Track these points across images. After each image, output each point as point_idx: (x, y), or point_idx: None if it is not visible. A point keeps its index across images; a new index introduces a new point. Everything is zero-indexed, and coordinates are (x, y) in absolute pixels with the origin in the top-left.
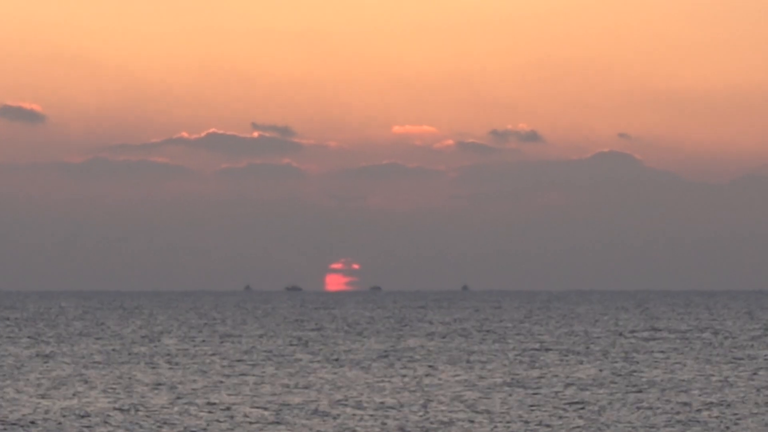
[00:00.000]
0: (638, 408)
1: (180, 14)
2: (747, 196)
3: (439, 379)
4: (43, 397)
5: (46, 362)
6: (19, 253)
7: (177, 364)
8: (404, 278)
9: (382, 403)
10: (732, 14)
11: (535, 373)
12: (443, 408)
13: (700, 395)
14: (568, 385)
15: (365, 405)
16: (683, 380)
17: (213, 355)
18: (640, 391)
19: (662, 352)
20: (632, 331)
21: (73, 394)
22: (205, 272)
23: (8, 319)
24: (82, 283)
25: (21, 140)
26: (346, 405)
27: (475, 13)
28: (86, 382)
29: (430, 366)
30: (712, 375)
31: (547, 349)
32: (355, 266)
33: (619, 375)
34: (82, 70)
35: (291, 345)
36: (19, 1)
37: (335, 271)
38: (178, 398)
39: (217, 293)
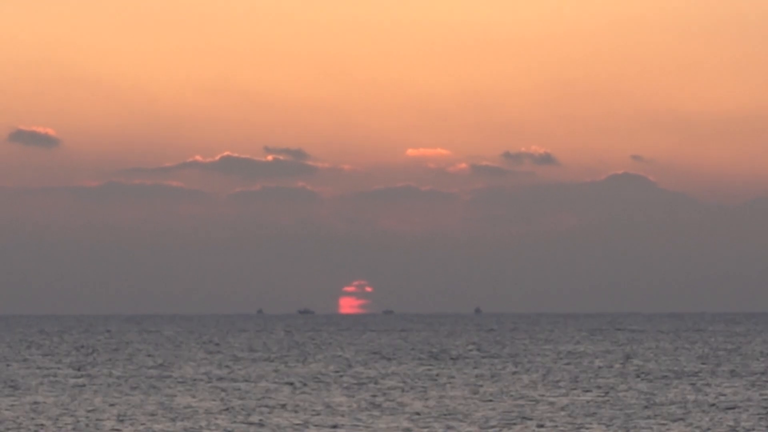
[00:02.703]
0: None
1: (194, 38)
2: (761, 218)
3: None
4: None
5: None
6: (33, 278)
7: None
8: (417, 301)
9: None
10: (746, 36)
11: None
12: None
13: None
14: None
15: None
16: None
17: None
18: None
19: None
20: None
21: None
22: (218, 296)
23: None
24: (97, 308)
25: (35, 164)
26: None
27: (489, 35)
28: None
29: None
30: None
31: None
32: (368, 289)
33: None
34: (97, 94)
35: None
36: (33, 25)
37: (348, 294)
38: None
39: (230, 317)
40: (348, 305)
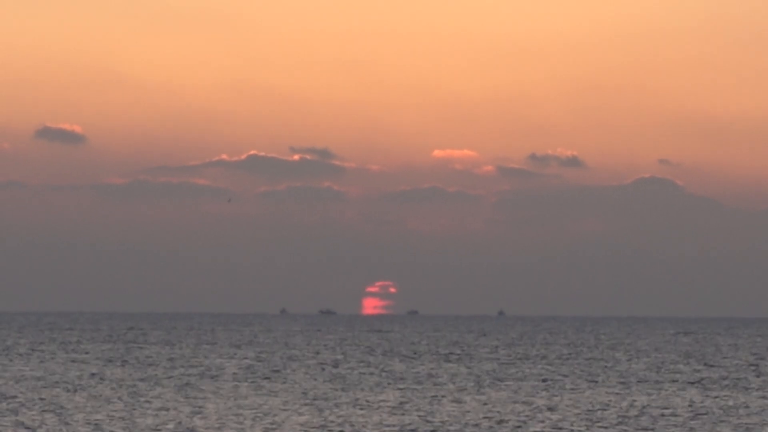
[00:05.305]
0: None
1: (221, 37)
2: None
3: None
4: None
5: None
6: (58, 275)
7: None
8: (441, 302)
9: None
10: None
11: None
12: None
13: None
14: None
15: None
16: None
17: None
18: None
19: None
20: None
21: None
22: (241, 294)
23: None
24: (122, 305)
25: (61, 161)
26: None
27: (516, 39)
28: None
29: None
30: None
31: None
32: (392, 290)
33: None
34: (124, 92)
35: None
36: (60, 24)
37: (372, 294)
38: None
39: (254, 316)
40: (371, 306)
